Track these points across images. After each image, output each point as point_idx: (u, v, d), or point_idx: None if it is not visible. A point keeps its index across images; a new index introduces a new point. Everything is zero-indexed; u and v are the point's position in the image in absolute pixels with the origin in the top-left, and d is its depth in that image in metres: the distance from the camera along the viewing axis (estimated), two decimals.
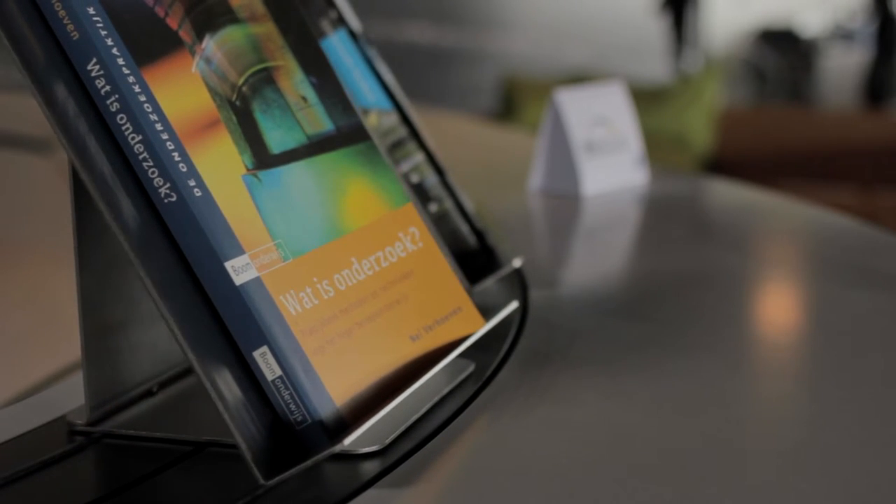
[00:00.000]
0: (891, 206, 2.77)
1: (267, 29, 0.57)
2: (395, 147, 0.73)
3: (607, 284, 0.85)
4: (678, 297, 0.77)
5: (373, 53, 0.78)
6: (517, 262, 0.76)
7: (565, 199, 1.12)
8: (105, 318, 0.53)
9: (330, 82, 0.59)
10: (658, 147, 1.77)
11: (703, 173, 2.08)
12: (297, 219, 0.52)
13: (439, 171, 0.76)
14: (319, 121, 0.57)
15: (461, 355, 0.58)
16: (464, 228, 0.76)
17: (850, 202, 2.72)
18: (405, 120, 0.75)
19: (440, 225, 0.74)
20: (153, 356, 0.56)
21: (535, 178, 1.17)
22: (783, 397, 0.60)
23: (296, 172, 0.54)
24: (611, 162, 1.17)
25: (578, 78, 3.26)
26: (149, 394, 0.56)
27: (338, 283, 0.53)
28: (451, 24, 5.41)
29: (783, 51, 6.11)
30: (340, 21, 0.74)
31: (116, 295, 0.53)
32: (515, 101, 3.74)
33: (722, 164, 3.51)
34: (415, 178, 0.74)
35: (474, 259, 0.75)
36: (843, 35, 6.52)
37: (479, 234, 0.76)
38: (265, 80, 0.55)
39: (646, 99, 3.38)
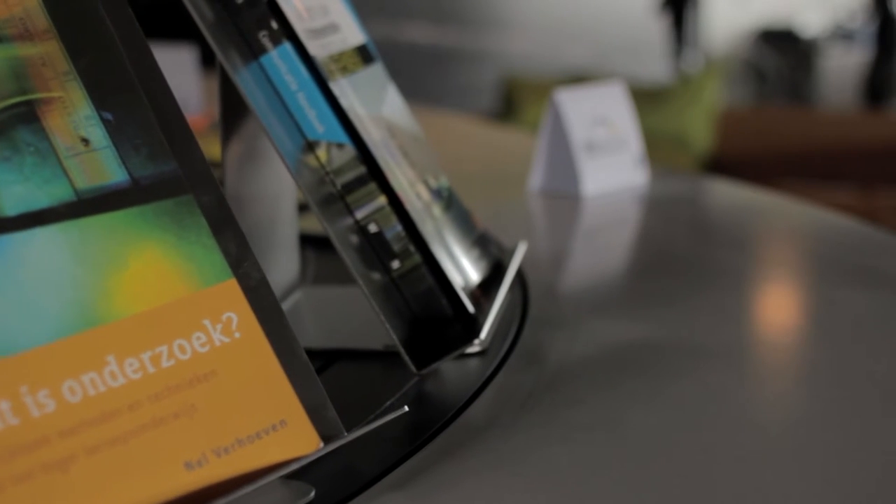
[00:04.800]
0: (891, 205, 2.77)
1: (46, 50, 0.45)
2: (349, 189, 0.59)
3: (607, 284, 0.85)
4: (678, 297, 0.77)
5: (375, 69, 0.68)
6: (478, 341, 0.59)
7: (565, 199, 1.12)
8: None
9: (135, 118, 0.46)
10: (658, 147, 1.77)
11: (703, 173, 2.08)
12: (17, 305, 0.39)
13: (407, 218, 0.61)
14: (104, 170, 0.44)
15: (299, 479, 0.45)
16: (436, 290, 0.61)
17: (850, 202, 2.72)
18: (366, 155, 0.61)
19: (403, 287, 0.60)
20: None
21: (535, 178, 1.17)
22: (783, 397, 0.60)
23: (39, 240, 0.41)
24: (611, 162, 1.17)
25: (578, 78, 3.26)
26: None
27: (68, 394, 0.39)
28: (451, 24, 5.41)
29: (783, 51, 6.11)
30: (284, 33, 0.60)
31: None
32: (515, 101, 3.75)
33: (722, 164, 3.52)
34: (373, 228, 0.60)
35: (446, 328, 0.60)
36: (843, 35, 6.52)
37: (454, 298, 0.61)
38: (21, 117, 0.43)
39: (646, 99, 3.39)
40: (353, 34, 0.67)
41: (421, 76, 5.01)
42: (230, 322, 0.45)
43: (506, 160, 1.48)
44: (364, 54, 0.67)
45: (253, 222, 0.66)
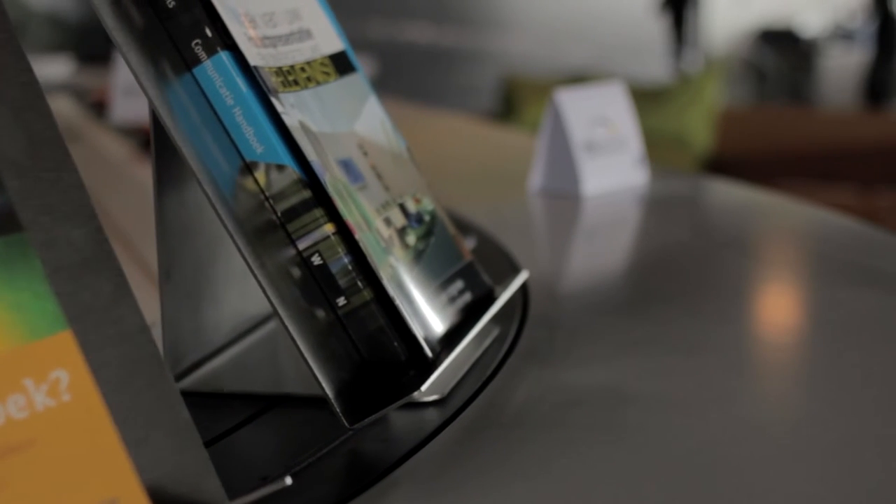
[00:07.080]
0: (891, 206, 2.77)
1: None
2: (290, 216, 0.53)
3: (607, 284, 0.85)
4: (678, 297, 0.77)
5: (351, 80, 0.62)
6: (420, 392, 0.52)
7: (565, 199, 1.12)
8: None
9: None
10: (658, 147, 1.77)
11: (703, 173, 2.09)
12: None
13: (355, 249, 0.54)
14: None
15: None
16: (389, 331, 0.54)
17: (850, 202, 2.72)
18: (311, 178, 0.54)
19: (349, 326, 0.53)
20: None
21: (535, 178, 1.17)
22: (783, 397, 0.60)
23: None
24: (611, 162, 1.17)
25: (578, 78, 3.26)
26: None
27: None
28: (451, 24, 5.41)
29: (783, 51, 6.12)
30: (222, 42, 0.53)
31: None
32: (515, 101, 3.75)
33: (722, 164, 3.52)
34: (316, 260, 0.53)
35: (398, 373, 0.54)
36: (843, 35, 6.53)
37: (409, 340, 0.54)
38: None
39: (646, 99, 3.39)
40: (328, 41, 0.62)
41: (421, 76, 5.02)
42: (58, 382, 0.38)
43: (506, 160, 1.48)
44: (340, 63, 0.62)
45: (202, 250, 0.60)
